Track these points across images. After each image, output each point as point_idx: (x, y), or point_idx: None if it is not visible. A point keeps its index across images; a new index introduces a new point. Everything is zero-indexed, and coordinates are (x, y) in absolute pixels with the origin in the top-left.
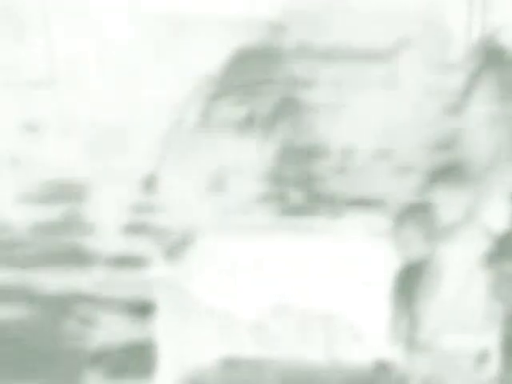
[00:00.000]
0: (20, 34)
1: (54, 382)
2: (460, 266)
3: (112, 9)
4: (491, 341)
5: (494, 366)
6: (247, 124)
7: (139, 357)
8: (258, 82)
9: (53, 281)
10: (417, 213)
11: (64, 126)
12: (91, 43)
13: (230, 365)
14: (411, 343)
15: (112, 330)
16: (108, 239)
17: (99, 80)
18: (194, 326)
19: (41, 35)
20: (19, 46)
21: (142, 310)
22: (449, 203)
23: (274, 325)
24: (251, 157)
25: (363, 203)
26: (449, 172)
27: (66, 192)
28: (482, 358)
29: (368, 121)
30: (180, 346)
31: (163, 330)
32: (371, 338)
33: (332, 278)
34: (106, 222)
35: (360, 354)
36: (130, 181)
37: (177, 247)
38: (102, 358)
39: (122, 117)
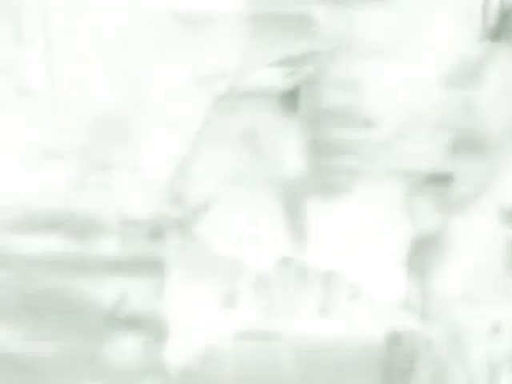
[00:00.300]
0: (20, 34)
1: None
2: (473, 239)
3: (112, 9)
4: (505, 313)
5: (507, 338)
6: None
7: (151, 325)
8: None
9: (65, 247)
10: (432, 184)
11: (63, 126)
12: (91, 43)
13: (241, 338)
14: (423, 313)
15: (125, 297)
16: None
17: (99, 80)
18: (203, 286)
19: (41, 35)
20: (19, 46)
21: (155, 271)
22: (465, 175)
23: (276, 276)
24: (273, 128)
25: (379, 174)
26: (466, 144)
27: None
28: (496, 330)
29: (389, 93)
30: (191, 317)
31: (174, 297)
32: (373, 299)
33: (341, 241)
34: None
35: (359, 313)
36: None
37: (190, 217)
38: (115, 324)
39: (122, 116)
